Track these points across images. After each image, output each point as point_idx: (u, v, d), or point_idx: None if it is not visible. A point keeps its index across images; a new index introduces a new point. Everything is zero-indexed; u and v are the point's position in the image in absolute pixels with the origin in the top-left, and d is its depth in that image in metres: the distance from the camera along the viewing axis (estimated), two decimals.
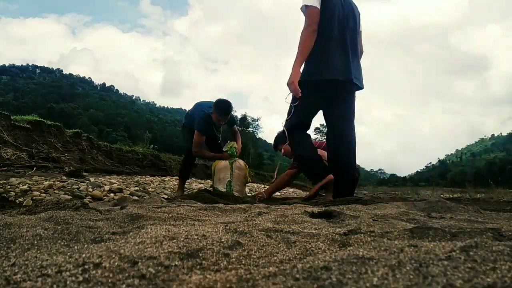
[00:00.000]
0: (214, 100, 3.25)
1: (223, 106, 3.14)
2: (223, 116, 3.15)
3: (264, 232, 0.74)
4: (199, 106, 3.36)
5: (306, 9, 2.19)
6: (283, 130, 2.90)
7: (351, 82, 2.21)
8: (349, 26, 2.24)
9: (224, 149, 3.34)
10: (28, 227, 0.75)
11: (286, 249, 0.64)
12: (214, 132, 3.36)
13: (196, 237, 0.60)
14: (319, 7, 2.16)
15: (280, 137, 3.51)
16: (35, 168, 4.62)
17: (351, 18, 2.27)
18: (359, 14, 2.40)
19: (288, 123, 2.44)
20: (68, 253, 0.52)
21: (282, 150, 3.58)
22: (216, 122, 3.23)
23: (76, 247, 0.61)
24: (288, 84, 2.22)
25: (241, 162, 3.26)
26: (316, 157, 2.45)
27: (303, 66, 2.23)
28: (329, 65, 2.16)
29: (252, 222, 0.91)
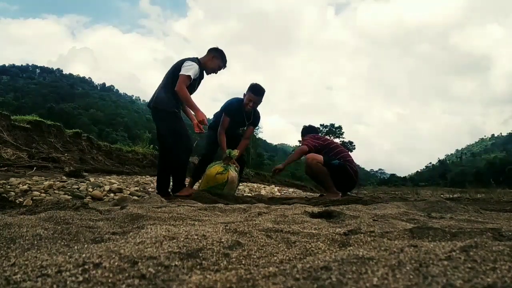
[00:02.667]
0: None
1: (258, 86, 3.34)
2: (256, 95, 3.29)
3: (264, 232, 0.74)
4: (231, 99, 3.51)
5: None
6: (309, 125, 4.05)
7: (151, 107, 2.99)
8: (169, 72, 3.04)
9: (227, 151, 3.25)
10: (28, 227, 0.75)
11: (286, 249, 0.64)
12: (239, 119, 3.36)
13: (196, 237, 0.60)
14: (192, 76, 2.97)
15: (306, 129, 3.92)
16: (35, 168, 4.62)
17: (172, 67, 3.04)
18: (179, 64, 3.03)
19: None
20: (68, 253, 0.51)
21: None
22: (245, 106, 3.29)
23: (76, 247, 0.61)
24: None
25: (234, 174, 3.14)
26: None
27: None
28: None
29: (252, 222, 0.91)
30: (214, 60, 3.06)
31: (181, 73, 2.83)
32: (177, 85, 2.81)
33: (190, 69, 2.85)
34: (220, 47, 3.16)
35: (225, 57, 3.16)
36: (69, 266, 0.45)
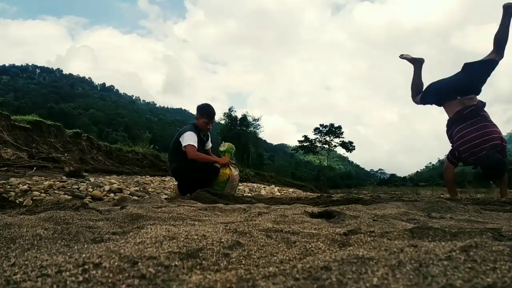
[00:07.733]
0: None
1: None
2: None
3: (264, 232, 0.74)
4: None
5: None
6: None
7: None
8: None
9: (220, 149, 3.32)
10: (28, 227, 0.75)
11: (286, 249, 0.64)
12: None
13: (196, 237, 0.60)
14: None
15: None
16: (35, 168, 4.62)
17: None
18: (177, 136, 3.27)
19: None
20: (68, 253, 0.51)
21: None
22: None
23: (76, 247, 0.61)
24: None
25: (236, 173, 3.27)
26: None
27: None
28: None
29: (252, 222, 0.91)
30: (200, 120, 3.24)
31: (184, 145, 3.06)
32: (188, 156, 3.03)
33: (187, 140, 3.07)
34: (203, 103, 3.31)
35: (206, 110, 3.24)
36: (69, 266, 0.45)
